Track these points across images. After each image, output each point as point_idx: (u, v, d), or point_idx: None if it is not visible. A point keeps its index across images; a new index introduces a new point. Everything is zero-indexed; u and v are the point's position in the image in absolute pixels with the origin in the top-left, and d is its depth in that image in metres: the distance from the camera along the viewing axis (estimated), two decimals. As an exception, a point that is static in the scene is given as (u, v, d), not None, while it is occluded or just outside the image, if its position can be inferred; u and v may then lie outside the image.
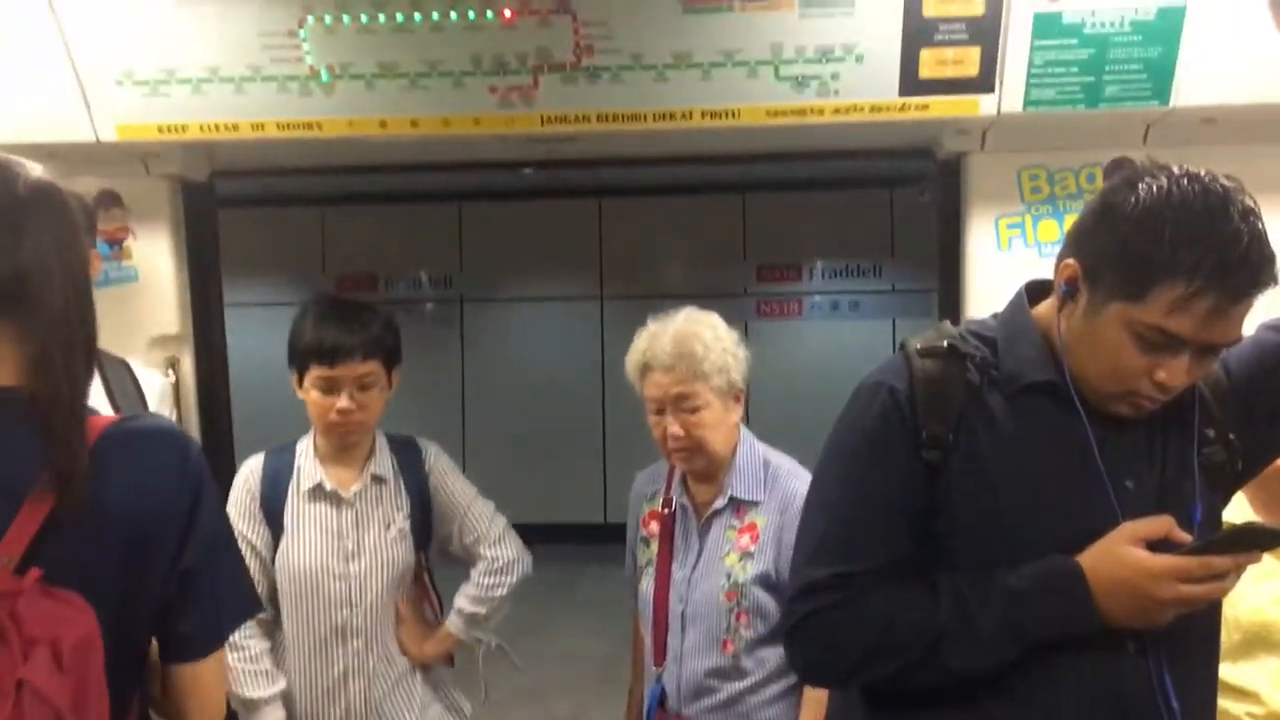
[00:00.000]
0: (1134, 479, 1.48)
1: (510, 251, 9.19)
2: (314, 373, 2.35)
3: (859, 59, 2.42)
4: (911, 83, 2.43)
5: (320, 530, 2.45)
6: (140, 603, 1.31)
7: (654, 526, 2.46)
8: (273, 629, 2.48)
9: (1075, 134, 2.56)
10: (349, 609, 2.44)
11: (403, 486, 2.52)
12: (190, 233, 2.85)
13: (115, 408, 2.47)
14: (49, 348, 1.27)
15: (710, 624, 2.29)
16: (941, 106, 2.46)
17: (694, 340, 2.27)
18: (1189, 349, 1.40)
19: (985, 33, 2.39)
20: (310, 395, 2.39)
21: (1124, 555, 1.40)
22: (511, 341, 9.35)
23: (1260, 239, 1.36)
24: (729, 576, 2.28)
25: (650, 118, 2.51)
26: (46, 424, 1.24)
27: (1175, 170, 1.41)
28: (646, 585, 2.44)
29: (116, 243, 2.76)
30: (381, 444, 2.53)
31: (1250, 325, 1.47)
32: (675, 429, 2.27)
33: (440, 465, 2.58)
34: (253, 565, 2.39)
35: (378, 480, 2.49)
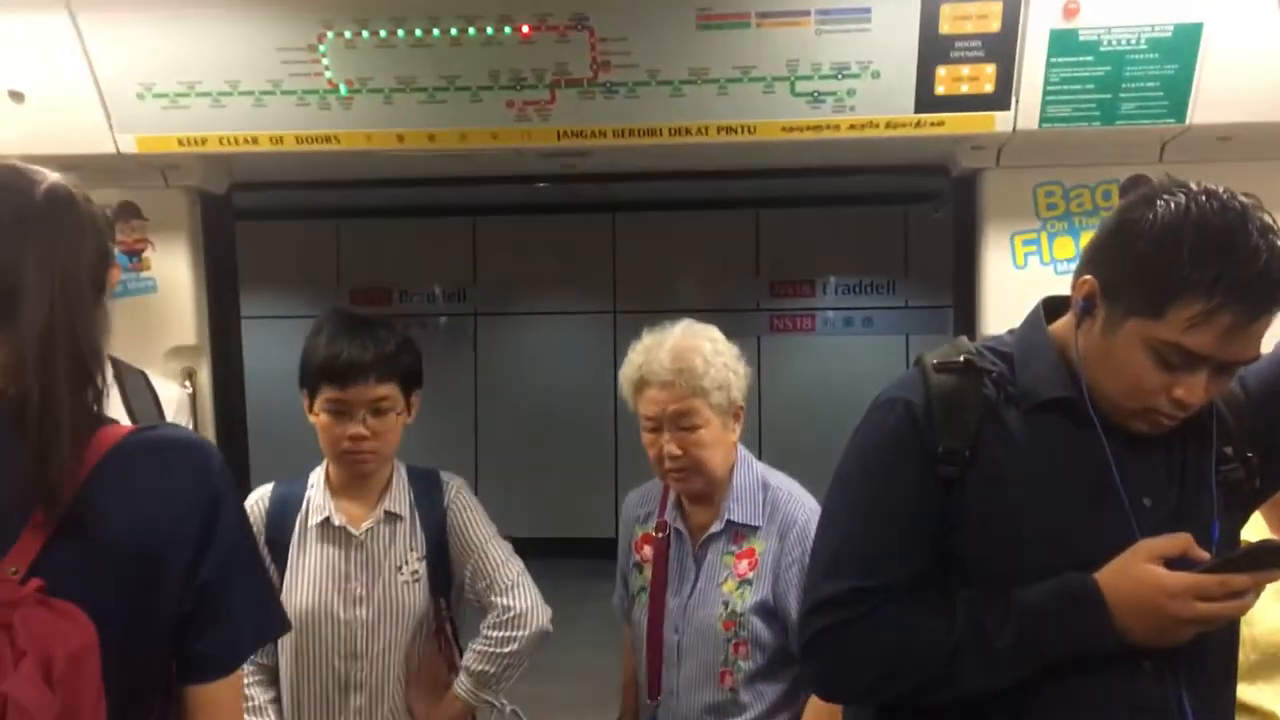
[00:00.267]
0: (1152, 496, 1.47)
1: (524, 266, 9.23)
2: (325, 394, 2.18)
3: (875, 75, 2.42)
4: (927, 99, 2.43)
5: (325, 570, 2.26)
6: (154, 618, 1.27)
7: (647, 551, 2.35)
8: (277, 676, 2.31)
9: (1091, 151, 2.55)
10: (353, 660, 2.23)
11: (418, 524, 2.31)
12: (208, 244, 2.86)
13: (132, 418, 2.48)
14: (26, 356, 1.23)
15: (707, 655, 2.19)
16: (957, 123, 2.46)
17: (693, 354, 2.17)
18: (1207, 366, 1.40)
19: (1001, 50, 2.39)
20: (320, 419, 2.21)
21: (1142, 573, 1.39)
22: (525, 356, 9.37)
23: (1278, 256, 1.35)
24: (726, 605, 2.18)
25: (666, 133, 2.51)
26: (26, 432, 1.21)
27: (1193, 187, 1.41)
28: (639, 614, 2.33)
29: (135, 254, 2.78)
30: (400, 477, 2.34)
31: (1269, 343, 1.47)
32: (672, 448, 2.17)
33: (460, 501, 2.35)
34: None
35: (392, 517, 2.30)
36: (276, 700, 2.28)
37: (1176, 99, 2.39)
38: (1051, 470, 1.48)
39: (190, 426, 2.67)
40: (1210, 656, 1.49)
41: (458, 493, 2.36)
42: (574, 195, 8.48)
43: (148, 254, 2.79)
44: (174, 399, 2.62)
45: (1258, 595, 1.41)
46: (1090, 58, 2.38)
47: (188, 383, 2.78)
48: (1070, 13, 2.35)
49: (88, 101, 2.53)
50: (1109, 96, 2.41)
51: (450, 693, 2.29)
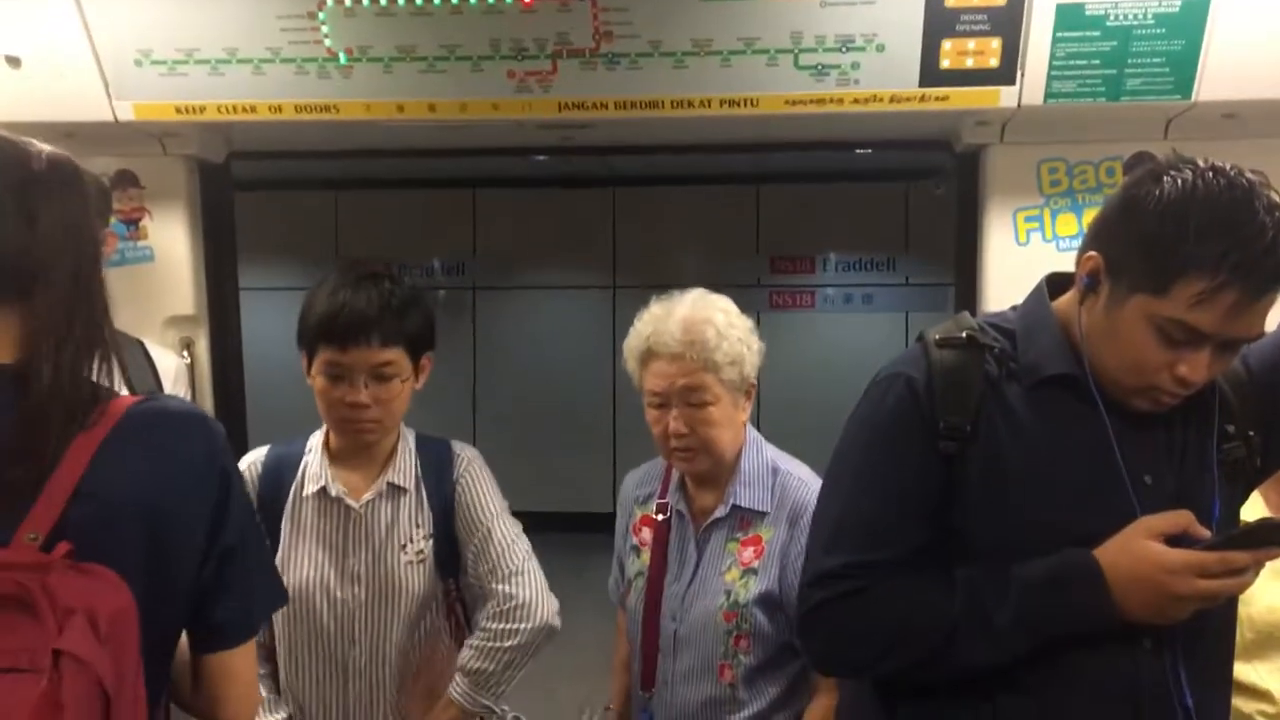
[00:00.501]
0: (1153, 474, 1.47)
1: (524, 240, 9.20)
2: (323, 355, 1.97)
3: (879, 49, 2.41)
4: (932, 73, 2.42)
5: (320, 544, 2.06)
6: (173, 588, 1.29)
7: (646, 534, 2.23)
8: (269, 658, 2.12)
9: (1096, 127, 2.54)
10: (348, 644, 2.05)
11: (425, 499, 2.10)
12: (206, 214, 2.85)
13: (129, 387, 2.47)
14: (44, 328, 1.25)
15: (706, 647, 2.07)
16: (962, 97, 2.44)
17: (706, 326, 2.03)
18: (1210, 344, 1.39)
19: (1007, 23, 2.37)
20: (317, 383, 2.01)
21: (1142, 550, 1.39)
22: (524, 330, 9.35)
23: None
24: (728, 594, 2.06)
25: (668, 105, 2.49)
26: (42, 403, 1.22)
27: (1200, 164, 1.40)
28: (635, 600, 2.20)
29: (133, 222, 2.76)
30: (408, 445, 2.14)
31: (1272, 322, 1.46)
32: (679, 425, 2.04)
33: (470, 475, 2.13)
34: None
35: (395, 490, 2.09)
36: (269, 676, 2.11)
37: (1183, 75, 2.38)
38: (1053, 447, 1.48)
39: (188, 397, 2.66)
40: (1209, 634, 1.49)
41: (469, 465, 2.15)
42: (574, 169, 8.46)
43: (145, 223, 2.78)
44: (171, 369, 2.61)
45: (1257, 573, 1.41)
46: (1097, 32, 2.37)
47: (185, 353, 2.77)
48: (1077, -14, 2.33)
49: (85, 68, 2.51)
50: (1115, 72, 2.39)
51: (444, 698, 2.07)
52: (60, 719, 1.08)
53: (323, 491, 2.07)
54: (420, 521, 2.09)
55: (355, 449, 2.09)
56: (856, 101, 2.46)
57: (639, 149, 3.16)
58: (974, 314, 1.65)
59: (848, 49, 2.41)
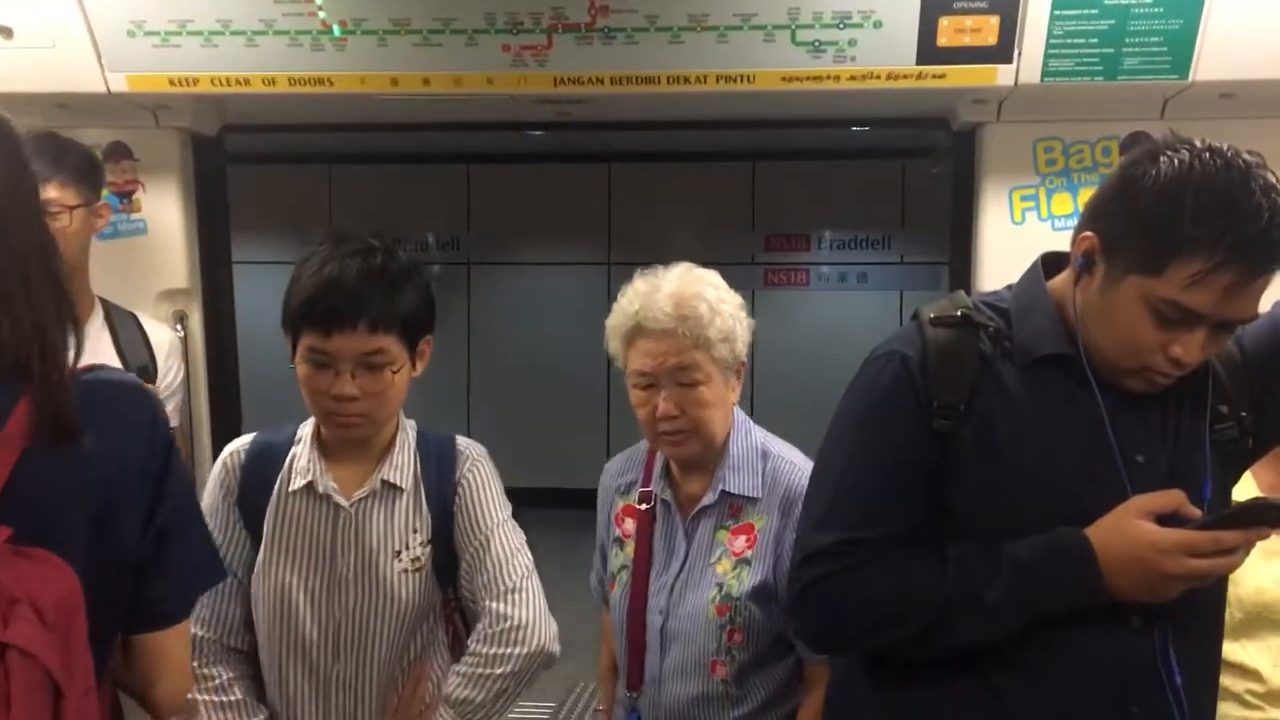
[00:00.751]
0: (1145, 454, 1.48)
1: (519, 215, 9.18)
2: (305, 341, 1.75)
3: (877, 25, 2.39)
4: (929, 51, 2.40)
5: (307, 546, 1.84)
6: (116, 567, 1.24)
7: (629, 524, 2.11)
8: (252, 660, 1.92)
9: (1092, 106, 2.53)
10: (333, 657, 1.83)
11: (424, 501, 1.88)
12: (200, 187, 2.84)
13: (123, 360, 2.47)
14: (12, 284, 1.19)
15: (697, 642, 1.96)
16: (959, 75, 2.43)
17: (698, 301, 1.92)
18: (1205, 325, 1.40)
19: (1005, 1, 2.36)
20: (300, 370, 1.78)
21: (1133, 529, 1.40)
22: (518, 306, 9.34)
23: None
24: (720, 587, 1.96)
25: (664, 80, 2.48)
26: (20, 366, 1.17)
27: (1197, 144, 1.40)
28: (620, 595, 2.08)
29: (126, 195, 2.75)
30: (407, 440, 1.91)
31: (1265, 303, 1.46)
32: (669, 407, 1.92)
33: (475, 476, 1.90)
34: (225, 583, 1.84)
35: (391, 489, 1.86)
36: (244, 678, 1.90)
37: (1180, 55, 2.37)
38: (1046, 426, 1.48)
39: (181, 371, 2.66)
40: (1199, 613, 1.50)
41: (473, 465, 1.91)
42: (570, 145, 8.42)
43: (138, 195, 2.76)
44: (165, 342, 2.61)
45: (1248, 553, 1.42)
46: (1094, 11, 2.35)
47: (179, 326, 2.76)
48: (1076, -35, 2.32)
49: (78, 39, 2.49)
50: (1112, 51, 2.38)
51: None
52: (9, 715, 1.05)
53: (310, 487, 1.85)
54: (418, 525, 1.86)
55: (348, 442, 1.87)
56: (853, 79, 2.45)
57: (634, 125, 3.15)
58: (969, 293, 1.66)
59: (845, 25, 2.40)
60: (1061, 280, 1.55)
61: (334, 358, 1.73)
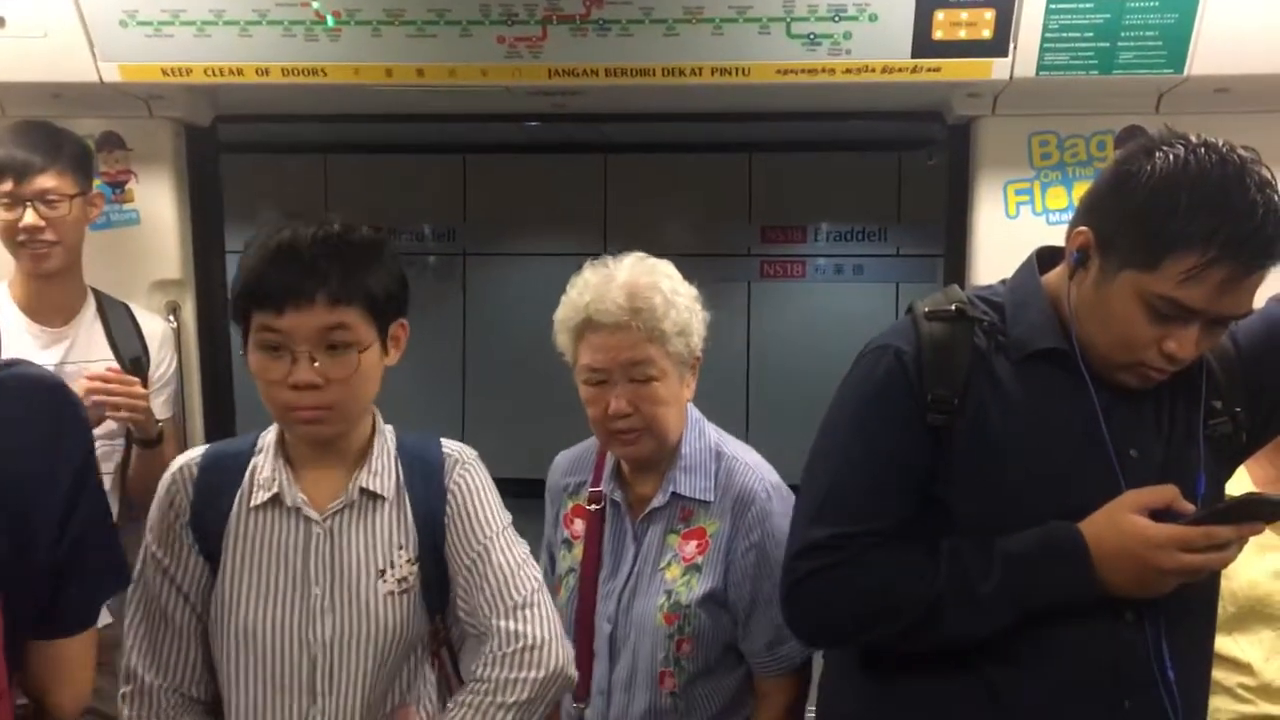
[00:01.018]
0: (1139, 448, 1.48)
1: (514, 206, 9.17)
2: (257, 321, 1.49)
3: (872, 18, 2.39)
4: (924, 44, 2.40)
5: (274, 569, 1.57)
6: (31, 575, 1.20)
7: (578, 526, 2.03)
8: (215, 712, 1.62)
9: (1087, 100, 2.53)
10: (309, 699, 1.56)
11: (409, 512, 1.62)
12: (192, 177, 2.83)
13: (115, 350, 2.46)
14: None
15: (645, 652, 1.89)
16: (954, 69, 2.43)
17: (652, 292, 1.84)
18: (1199, 320, 1.40)
19: (1001, -6, 2.35)
20: (252, 360, 1.52)
21: (1126, 523, 1.40)
22: (513, 296, 9.32)
23: (1275, 211, 1.35)
24: (669, 595, 1.88)
25: (659, 73, 2.47)
26: None
27: (1192, 140, 1.40)
28: (568, 599, 1.99)
29: (118, 185, 2.74)
30: (385, 444, 1.66)
31: (1259, 299, 1.46)
32: (621, 404, 1.83)
33: (466, 482, 1.65)
34: (179, 613, 1.57)
35: (371, 498, 1.61)
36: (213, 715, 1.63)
37: (1175, 49, 2.37)
38: (1040, 420, 1.48)
39: (174, 361, 2.65)
40: (1191, 608, 1.51)
41: (464, 467, 1.67)
42: (565, 136, 8.40)
43: (131, 185, 2.75)
44: (158, 333, 2.60)
45: (1241, 548, 1.42)
46: (1090, 5, 2.35)
47: (172, 317, 2.75)
48: (1072, -42, 2.32)
49: (70, 28, 2.48)
50: (1107, 45, 2.38)
51: None
52: None
53: (276, 500, 1.60)
54: (403, 540, 1.61)
55: (316, 447, 1.61)
56: (848, 71, 2.45)
57: (630, 116, 3.14)
58: (963, 286, 1.65)
59: (840, 18, 2.39)
60: (1056, 275, 1.55)
61: (289, 338, 1.48)
